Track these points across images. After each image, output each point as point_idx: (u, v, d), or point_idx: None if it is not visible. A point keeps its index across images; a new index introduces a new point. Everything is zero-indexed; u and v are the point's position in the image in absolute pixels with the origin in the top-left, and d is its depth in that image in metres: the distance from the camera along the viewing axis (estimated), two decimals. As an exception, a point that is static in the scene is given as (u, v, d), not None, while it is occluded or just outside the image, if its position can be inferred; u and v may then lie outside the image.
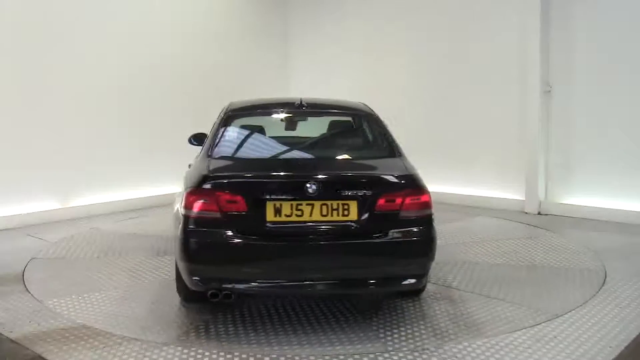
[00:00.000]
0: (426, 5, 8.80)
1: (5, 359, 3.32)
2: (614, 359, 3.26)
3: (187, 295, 3.97)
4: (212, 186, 3.51)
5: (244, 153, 4.20)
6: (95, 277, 4.86)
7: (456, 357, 3.26)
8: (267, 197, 3.48)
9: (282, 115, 4.93)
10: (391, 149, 4.22)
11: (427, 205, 3.64)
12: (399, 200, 3.54)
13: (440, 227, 6.42)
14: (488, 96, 8.20)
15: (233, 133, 4.36)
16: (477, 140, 8.37)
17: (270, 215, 3.45)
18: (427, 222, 3.63)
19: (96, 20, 7.72)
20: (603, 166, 7.19)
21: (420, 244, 3.61)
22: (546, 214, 7.57)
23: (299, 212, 3.47)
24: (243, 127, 4.60)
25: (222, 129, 4.26)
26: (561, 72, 7.50)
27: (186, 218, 3.49)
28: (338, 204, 3.49)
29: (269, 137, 4.65)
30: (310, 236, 3.51)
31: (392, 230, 3.55)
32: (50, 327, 3.72)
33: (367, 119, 4.64)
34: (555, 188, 7.65)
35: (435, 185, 8.58)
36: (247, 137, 4.49)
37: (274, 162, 4.14)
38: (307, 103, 4.58)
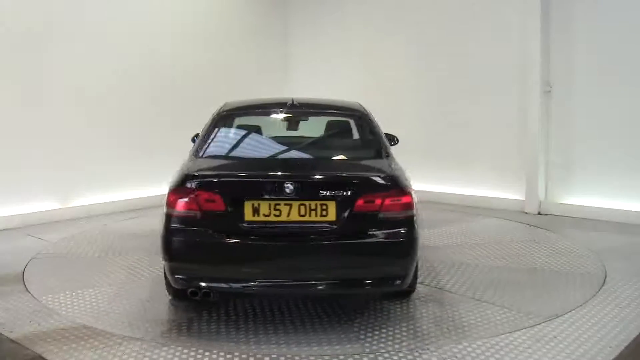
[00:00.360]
0: (426, 6, 8.80)
1: (5, 358, 3.32)
2: (614, 359, 3.26)
3: (175, 292, 4.00)
4: (192, 185, 3.56)
5: (230, 153, 4.25)
6: (93, 275, 4.87)
7: (456, 357, 3.26)
8: (246, 196, 3.51)
9: (273, 116, 4.97)
10: (378, 150, 4.21)
11: (408, 206, 3.59)
12: (378, 201, 3.51)
13: (441, 229, 6.56)
14: (488, 96, 8.20)
15: (222, 133, 4.40)
16: (477, 140, 8.37)
17: (248, 215, 3.48)
18: (408, 223, 3.58)
19: (96, 20, 7.72)
20: (603, 166, 7.19)
21: (401, 245, 3.58)
22: (546, 214, 7.57)
23: (277, 212, 3.49)
24: (232, 127, 4.64)
25: (211, 129, 4.34)
26: (561, 73, 7.50)
27: (168, 217, 3.58)
28: (316, 205, 3.49)
29: (259, 137, 4.67)
30: (288, 236, 3.52)
31: (372, 231, 3.53)
32: (51, 327, 3.72)
33: (359, 119, 4.63)
34: (555, 188, 7.65)
35: (436, 186, 8.73)
36: (235, 137, 4.53)
37: (256, 162, 4.18)
38: (298, 103, 4.60)
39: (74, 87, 7.48)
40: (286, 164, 4.12)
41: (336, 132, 4.95)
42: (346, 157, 4.35)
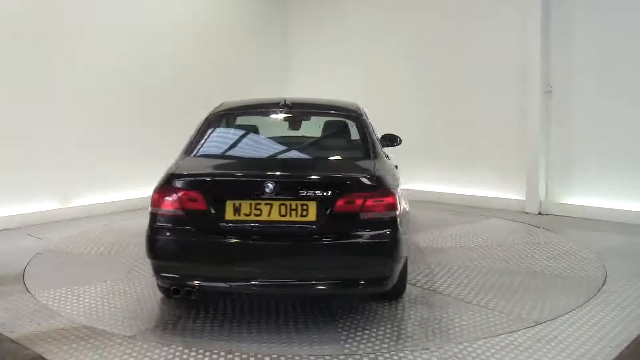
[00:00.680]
0: (426, 6, 8.80)
1: (5, 358, 3.32)
2: (614, 359, 3.25)
3: (165, 290, 4.02)
4: (175, 184, 3.60)
5: (217, 152, 4.26)
6: (94, 274, 4.88)
7: (457, 357, 3.26)
8: (227, 196, 3.53)
9: (264, 116, 5.00)
10: (366, 150, 4.18)
11: (391, 207, 3.54)
12: (359, 202, 3.48)
13: (442, 230, 6.56)
14: (488, 96, 8.20)
15: (212, 133, 4.43)
16: (477, 140, 8.37)
17: (229, 214, 3.50)
18: (391, 224, 3.53)
19: (96, 20, 7.72)
20: (603, 166, 7.19)
21: (383, 246, 3.54)
22: (547, 214, 7.57)
23: (258, 212, 3.49)
24: (224, 127, 4.66)
25: (202, 129, 4.39)
26: (561, 73, 7.50)
27: (152, 215, 3.66)
28: (297, 205, 3.48)
29: (248, 136, 4.68)
30: (268, 236, 3.52)
31: (353, 232, 3.51)
32: (51, 327, 3.72)
33: (350, 120, 4.60)
34: (556, 188, 7.66)
35: (436, 186, 8.74)
36: (225, 137, 4.55)
37: (240, 162, 4.19)
38: (291, 103, 4.62)
39: (74, 87, 7.48)
40: (268, 163, 4.14)
41: (326, 132, 4.96)
42: (331, 157, 4.36)
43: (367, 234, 3.51)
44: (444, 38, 8.63)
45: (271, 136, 4.77)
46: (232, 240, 3.52)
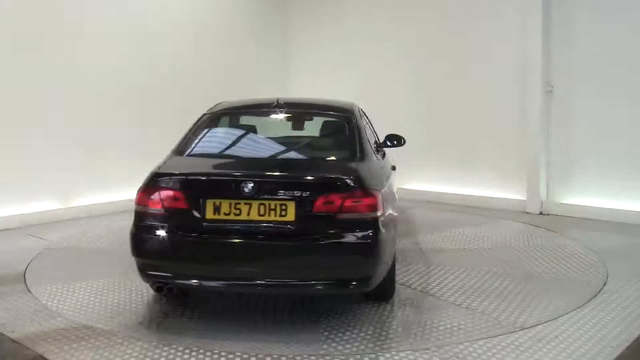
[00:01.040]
0: (426, 6, 8.80)
1: (6, 358, 3.32)
2: (615, 359, 3.25)
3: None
4: (159, 184, 3.65)
5: (204, 152, 4.29)
6: (95, 274, 4.87)
7: (457, 357, 3.26)
8: (207, 195, 3.56)
9: (257, 116, 5.02)
10: (353, 151, 4.15)
11: (371, 208, 3.52)
12: (337, 202, 3.47)
13: (442, 231, 6.54)
14: (489, 96, 8.20)
15: (203, 133, 4.46)
16: (478, 140, 8.37)
17: (209, 213, 3.52)
18: (371, 224, 3.51)
19: (96, 20, 7.71)
20: (604, 166, 7.19)
21: (364, 247, 3.52)
22: (548, 214, 7.57)
23: (237, 211, 3.52)
24: (216, 127, 4.67)
25: (193, 129, 4.47)
26: (562, 73, 7.50)
27: (136, 214, 3.72)
28: (276, 204, 3.50)
29: (236, 136, 4.69)
30: (248, 235, 3.53)
31: (332, 232, 3.50)
32: (52, 327, 3.72)
33: (343, 120, 4.57)
34: (556, 188, 7.66)
35: (436, 186, 8.73)
36: (214, 136, 4.56)
37: (224, 161, 4.20)
38: (284, 103, 4.63)
39: (74, 87, 7.48)
40: (250, 163, 4.17)
41: (316, 133, 4.97)
42: (316, 157, 4.36)
43: (346, 234, 3.50)
44: (444, 38, 8.63)
45: (262, 136, 4.79)
46: (211, 239, 3.55)
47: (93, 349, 3.38)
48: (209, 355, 3.30)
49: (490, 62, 8.15)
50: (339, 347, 3.41)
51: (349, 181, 3.57)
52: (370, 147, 4.34)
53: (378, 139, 5.43)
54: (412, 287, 4.52)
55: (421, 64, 8.94)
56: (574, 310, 3.98)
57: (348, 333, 3.61)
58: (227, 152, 4.41)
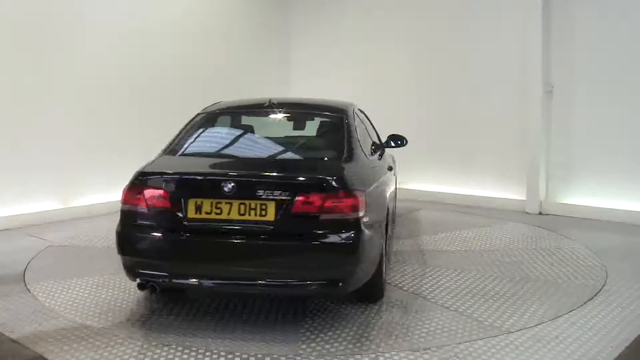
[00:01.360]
0: (426, 6, 8.81)
1: (6, 358, 3.32)
2: (615, 359, 3.26)
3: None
4: (143, 183, 3.69)
5: (192, 151, 4.31)
6: (95, 274, 4.88)
7: (457, 357, 3.26)
8: (190, 194, 3.59)
9: (250, 117, 5.02)
10: (341, 151, 4.12)
11: (352, 208, 3.50)
12: (318, 203, 3.47)
13: (443, 232, 6.53)
14: (489, 96, 8.21)
15: (193, 133, 4.49)
16: (478, 140, 8.38)
17: (191, 212, 3.56)
18: (352, 225, 3.50)
19: (97, 20, 7.71)
20: (604, 166, 7.20)
21: (344, 247, 3.51)
22: (547, 214, 7.58)
23: (218, 210, 3.54)
24: (208, 127, 4.68)
25: (185, 128, 4.50)
26: (562, 73, 7.51)
27: (121, 212, 3.79)
28: (256, 204, 3.50)
29: (225, 136, 4.70)
30: (228, 234, 3.55)
31: (311, 233, 3.49)
32: (52, 327, 3.72)
33: (335, 120, 4.55)
34: (556, 188, 7.67)
35: (436, 185, 8.74)
36: (204, 136, 4.57)
37: (208, 161, 4.19)
38: (276, 103, 4.64)
39: (74, 87, 7.48)
40: (234, 163, 4.19)
41: (306, 132, 4.97)
42: (302, 157, 4.35)
43: (326, 235, 3.49)
44: (444, 38, 8.64)
45: (253, 136, 4.78)
46: (194, 238, 3.58)
47: (93, 348, 3.38)
48: (193, 355, 3.31)
49: (490, 62, 8.15)
50: (317, 348, 3.41)
51: (330, 181, 3.56)
52: (359, 147, 4.28)
53: (379, 139, 5.42)
54: (404, 288, 4.49)
55: (421, 64, 8.95)
56: (573, 310, 3.99)
57: (330, 333, 3.61)
58: (215, 151, 4.42)
